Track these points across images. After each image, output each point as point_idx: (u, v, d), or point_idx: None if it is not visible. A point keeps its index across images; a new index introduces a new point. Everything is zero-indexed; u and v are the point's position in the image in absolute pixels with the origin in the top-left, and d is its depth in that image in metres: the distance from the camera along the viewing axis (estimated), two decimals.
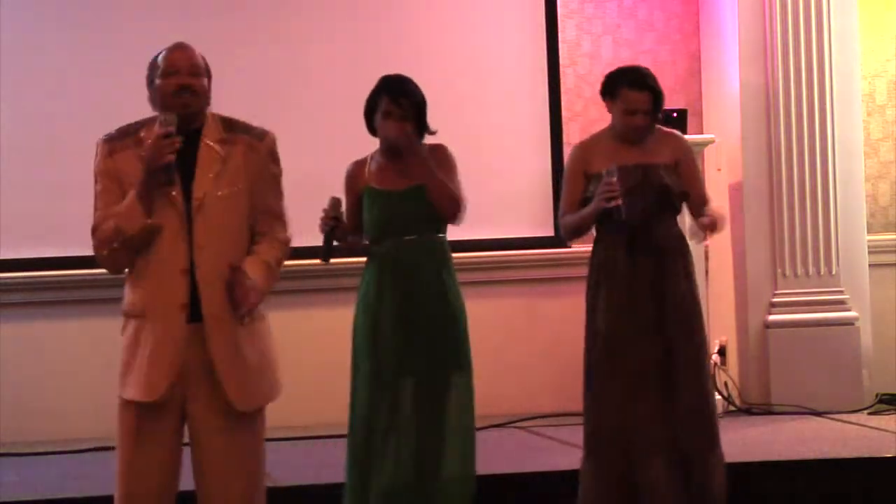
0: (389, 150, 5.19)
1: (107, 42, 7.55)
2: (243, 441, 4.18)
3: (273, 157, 4.27)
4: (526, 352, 7.76)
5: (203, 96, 4.17)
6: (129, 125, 4.20)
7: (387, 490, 5.06)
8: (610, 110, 5.27)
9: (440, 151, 5.23)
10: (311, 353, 7.49)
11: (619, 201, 5.06)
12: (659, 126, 5.42)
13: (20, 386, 7.44)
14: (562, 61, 7.97)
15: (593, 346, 5.20)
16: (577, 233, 5.34)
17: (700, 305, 5.28)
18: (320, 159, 7.06)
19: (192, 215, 4.09)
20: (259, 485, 4.25)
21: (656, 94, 5.22)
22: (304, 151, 7.56)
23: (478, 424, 7.15)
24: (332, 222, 5.08)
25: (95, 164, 4.20)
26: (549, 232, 7.67)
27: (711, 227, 5.21)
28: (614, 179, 5.08)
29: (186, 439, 4.22)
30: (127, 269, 4.19)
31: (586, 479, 5.18)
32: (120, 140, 4.16)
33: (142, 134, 4.15)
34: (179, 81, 4.12)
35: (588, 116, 7.78)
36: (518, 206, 7.81)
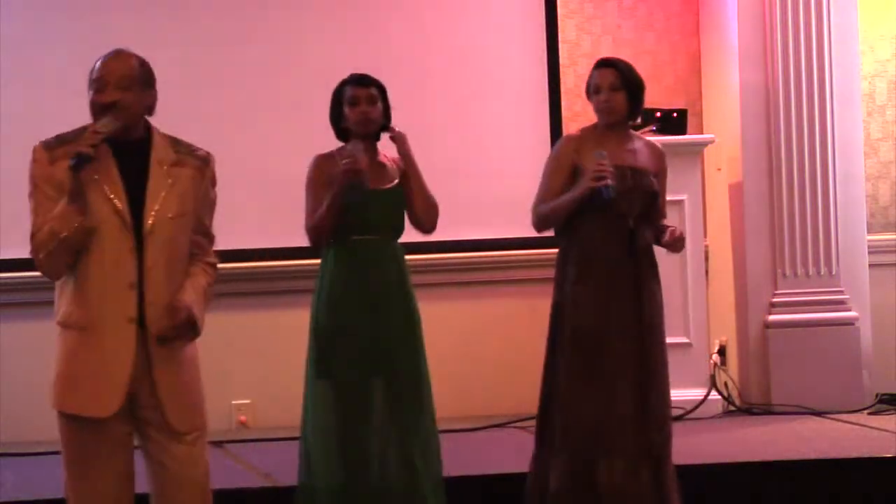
0: (364, 138, 5.13)
1: (107, 42, 7.47)
2: (191, 455, 4.15)
3: (213, 181, 4.27)
4: (526, 352, 7.73)
5: (129, 110, 4.11)
6: (67, 133, 4.17)
7: (379, 493, 5.05)
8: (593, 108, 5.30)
9: (404, 152, 5.21)
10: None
11: (610, 181, 5.04)
12: (648, 137, 5.44)
13: (20, 386, 7.43)
14: (562, 61, 7.97)
15: (573, 342, 5.15)
16: (553, 218, 5.24)
17: (663, 312, 5.29)
18: (308, 161, 7.06)
19: (142, 235, 4.06)
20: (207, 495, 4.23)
21: (621, 71, 5.21)
22: (299, 153, 7.56)
23: (478, 424, 7.19)
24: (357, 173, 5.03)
25: (33, 169, 4.18)
26: (549, 232, 7.65)
27: (678, 241, 5.20)
28: (605, 161, 5.06)
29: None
30: (62, 279, 4.14)
31: (555, 476, 5.15)
32: (59, 147, 4.13)
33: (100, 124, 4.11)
34: (105, 99, 4.09)
35: (588, 116, 7.67)
36: (518, 206, 7.75)
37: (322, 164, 5.17)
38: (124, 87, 4.10)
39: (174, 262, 4.11)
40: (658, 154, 5.34)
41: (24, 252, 7.36)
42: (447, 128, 7.53)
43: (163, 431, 4.10)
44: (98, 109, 4.11)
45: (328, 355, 5.14)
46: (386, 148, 5.25)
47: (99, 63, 4.16)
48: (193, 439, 4.14)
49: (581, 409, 5.12)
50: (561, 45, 7.97)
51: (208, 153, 4.25)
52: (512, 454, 6.56)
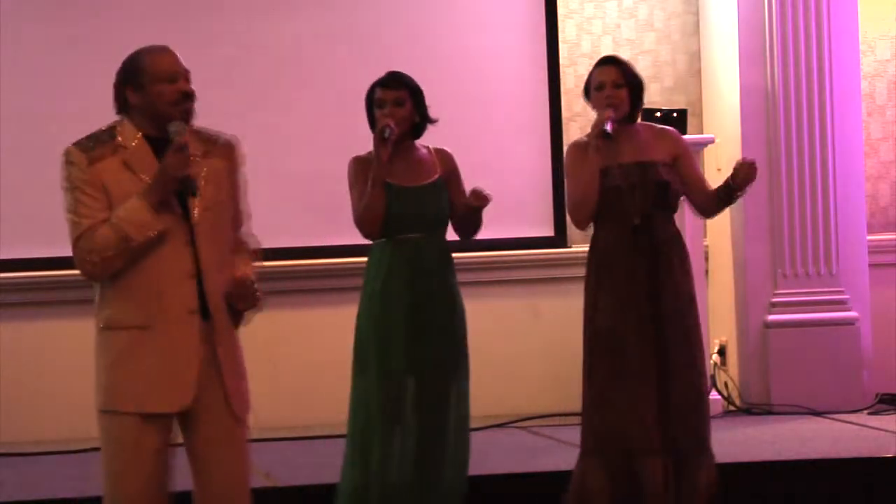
0: (384, 141, 5.12)
1: (107, 41, 7.53)
2: (240, 442, 4.17)
3: (242, 162, 4.28)
4: (526, 352, 7.76)
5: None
6: (99, 132, 4.14)
7: (390, 489, 5.05)
8: (593, 108, 5.29)
9: (451, 159, 5.24)
10: (311, 353, 7.50)
11: (611, 112, 5.08)
12: (652, 124, 5.43)
13: (20, 386, 7.44)
14: (562, 61, 7.97)
15: (595, 345, 5.19)
16: (583, 198, 5.17)
17: (696, 303, 5.28)
18: (322, 160, 7.07)
19: (192, 224, 4.08)
20: (248, 483, 4.24)
21: (623, 68, 5.24)
22: (305, 153, 7.57)
23: (478, 424, 7.18)
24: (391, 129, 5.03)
25: (71, 172, 4.10)
26: (549, 232, 7.68)
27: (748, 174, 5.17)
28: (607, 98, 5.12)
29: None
30: (105, 282, 4.13)
31: (589, 476, 5.17)
32: (96, 149, 4.09)
33: (118, 140, 4.10)
34: (182, 88, 4.09)
35: (588, 116, 7.69)
36: (518, 206, 7.80)
37: (358, 164, 5.18)
38: (189, 78, 4.12)
39: (222, 249, 4.13)
40: (668, 137, 5.31)
41: (23, 252, 7.47)
42: (447, 128, 7.51)
43: (219, 423, 4.11)
44: (177, 101, 4.08)
45: (370, 348, 5.13)
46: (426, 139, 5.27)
47: (150, 57, 4.13)
48: (242, 425, 4.16)
49: (607, 410, 5.13)
50: (561, 45, 7.97)
51: (232, 137, 4.26)
52: (512, 454, 6.56)
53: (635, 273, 5.15)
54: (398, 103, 5.13)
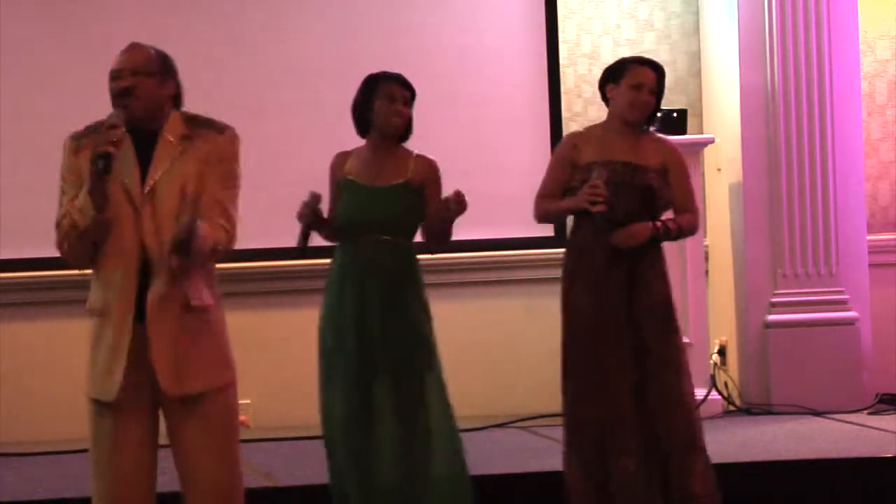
0: (387, 136, 5.14)
1: (107, 41, 7.52)
2: (209, 423, 4.15)
3: (231, 152, 4.20)
4: (526, 352, 7.75)
5: (146, 97, 4.11)
6: (95, 123, 4.17)
7: (376, 490, 5.04)
8: (612, 98, 5.26)
9: (431, 168, 5.19)
10: (311, 353, 7.48)
11: (603, 207, 5.06)
12: (660, 136, 5.44)
13: (20, 386, 7.44)
14: (562, 61, 7.97)
15: (571, 344, 5.22)
16: (548, 219, 5.48)
17: (674, 307, 5.27)
18: (313, 159, 7.06)
19: (136, 207, 4.06)
20: (234, 464, 4.24)
21: (661, 77, 5.24)
22: (298, 151, 7.57)
23: (478, 424, 7.18)
24: (309, 216, 5.04)
25: (62, 161, 4.18)
26: (549, 232, 7.66)
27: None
28: (601, 182, 5.07)
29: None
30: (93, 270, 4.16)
31: (568, 474, 5.20)
32: (85, 137, 4.15)
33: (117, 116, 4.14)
34: (119, 85, 4.11)
35: (588, 116, 7.77)
36: (518, 206, 7.76)
37: (334, 160, 5.23)
38: (138, 73, 4.11)
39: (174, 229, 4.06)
40: (666, 149, 5.31)
41: (24, 252, 7.47)
42: (447, 128, 7.53)
43: (176, 403, 4.10)
44: (115, 96, 4.12)
45: (335, 351, 5.13)
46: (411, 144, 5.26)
47: (116, 57, 4.18)
48: (210, 402, 4.13)
49: (584, 410, 5.14)
50: (561, 45, 7.97)
51: (227, 126, 4.22)
52: (512, 454, 6.56)
53: (610, 276, 5.16)
54: (406, 103, 5.14)
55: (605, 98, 5.34)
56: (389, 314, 5.09)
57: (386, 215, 5.12)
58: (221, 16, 7.70)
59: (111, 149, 3.98)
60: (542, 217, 5.40)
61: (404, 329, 5.11)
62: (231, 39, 7.64)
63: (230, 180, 4.20)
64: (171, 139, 4.13)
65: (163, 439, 4.20)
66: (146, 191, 4.07)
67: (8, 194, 7.46)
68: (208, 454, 4.14)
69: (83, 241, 4.08)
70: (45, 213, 7.43)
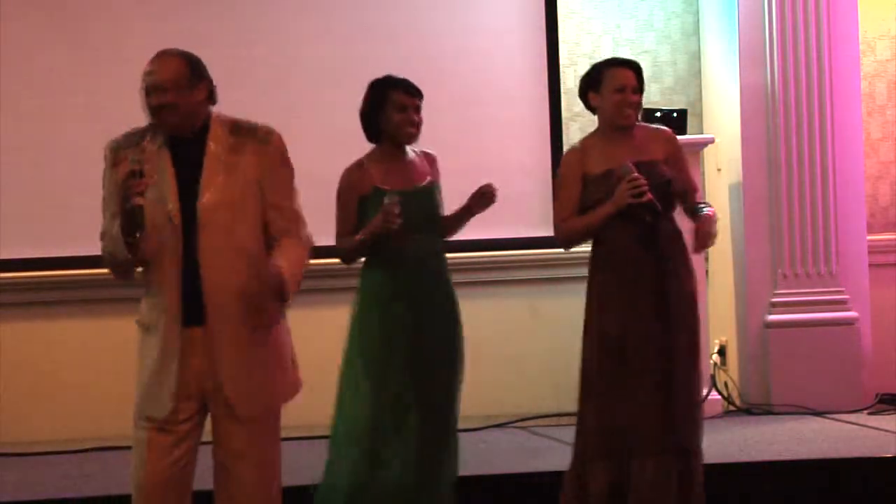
0: (397, 145, 5.16)
1: (107, 41, 7.55)
2: (259, 439, 4.21)
3: (281, 157, 4.25)
4: (526, 352, 7.76)
5: (185, 107, 4.12)
6: (135, 131, 4.18)
7: (388, 491, 5.05)
8: (598, 106, 5.22)
9: (436, 161, 5.26)
10: (312, 353, 7.46)
11: (650, 196, 5.03)
12: (646, 124, 5.42)
13: (20, 386, 7.44)
14: (562, 61, 7.97)
15: (600, 346, 5.15)
16: (584, 237, 5.24)
17: (697, 303, 5.26)
18: (321, 159, 7.06)
19: (196, 224, 4.06)
20: (276, 475, 4.33)
21: (639, 73, 5.19)
22: (304, 152, 7.56)
23: (478, 424, 7.18)
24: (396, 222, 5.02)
25: (103, 170, 4.18)
26: (549, 232, 7.62)
27: (706, 231, 5.15)
28: (637, 174, 5.03)
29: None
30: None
31: (593, 481, 5.14)
32: (124, 149, 4.14)
33: (145, 142, 4.13)
34: (157, 101, 4.10)
35: (588, 116, 7.67)
36: (518, 206, 7.80)
37: (350, 177, 5.20)
38: (179, 87, 4.10)
39: (232, 249, 4.10)
40: (664, 137, 5.28)
41: (24, 252, 7.47)
42: (447, 128, 7.53)
43: (228, 433, 4.14)
44: (154, 112, 4.12)
45: (368, 352, 5.14)
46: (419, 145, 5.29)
47: (148, 66, 4.16)
48: (263, 420, 4.18)
49: (613, 411, 5.10)
50: (561, 45, 7.97)
51: (271, 131, 4.24)
52: (512, 454, 6.56)
53: (643, 274, 5.12)
54: (417, 111, 5.17)
55: (589, 107, 5.29)
56: (440, 311, 5.16)
57: (431, 214, 5.18)
58: (222, 19, 7.69)
59: (139, 201, 3.98)
60: (572, 236, 5.27)
61: (453, 326, 5.19)
62: (231, 41, 7.63)
63: (287, 183, 4.25)
64: (218, 151, 4.13)
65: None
66: (200, 212, 4.06)
67: (8, 194, 7.46)
68: (249, 464, 4.18)
69: (121, 269, 4.13)
70: (45, 214, 7.52)
